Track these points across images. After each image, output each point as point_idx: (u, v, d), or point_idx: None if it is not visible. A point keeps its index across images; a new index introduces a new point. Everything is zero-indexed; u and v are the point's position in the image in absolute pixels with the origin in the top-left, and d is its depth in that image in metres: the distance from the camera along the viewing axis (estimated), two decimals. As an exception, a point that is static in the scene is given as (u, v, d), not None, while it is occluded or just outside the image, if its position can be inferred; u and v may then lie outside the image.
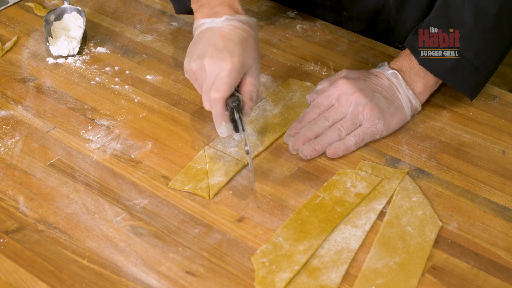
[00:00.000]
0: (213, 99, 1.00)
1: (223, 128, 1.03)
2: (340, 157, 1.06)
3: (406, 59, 1.14)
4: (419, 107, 1.13)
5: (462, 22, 1.09)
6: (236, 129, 1.03)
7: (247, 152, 1.01)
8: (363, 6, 1.30)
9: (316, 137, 1.07)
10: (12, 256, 0.92)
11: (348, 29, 1.34)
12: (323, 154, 1.07)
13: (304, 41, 1.31)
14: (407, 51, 1.14)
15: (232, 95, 1.01)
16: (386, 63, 1.16)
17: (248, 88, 1.03)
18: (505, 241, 0.94)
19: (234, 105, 1.01)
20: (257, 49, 1.07)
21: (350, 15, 1.33)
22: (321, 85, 1.16)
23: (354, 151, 1.08)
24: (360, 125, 1.08)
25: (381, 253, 0.92)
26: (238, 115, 1.01)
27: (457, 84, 1.12)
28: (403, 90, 1.11)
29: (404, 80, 1.12)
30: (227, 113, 1.01)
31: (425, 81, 1.12)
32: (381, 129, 1.08)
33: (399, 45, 1.31)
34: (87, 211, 0.98)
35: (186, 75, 1.07)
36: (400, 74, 1.12)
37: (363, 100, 1.08)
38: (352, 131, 1.08)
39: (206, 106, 1.03)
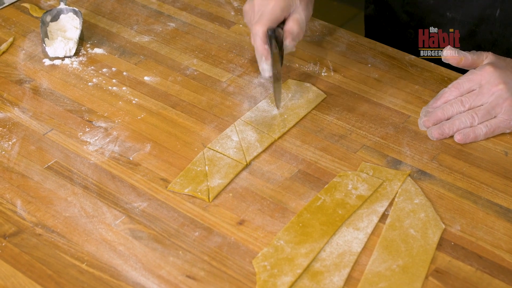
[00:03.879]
0: (254, 32, 1.08)
1: (263, 65, 1.09)
2: (343, 165, 1.06)
3: None
4: None
5: None
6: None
7: (273, 77, 1.09)
8: (468, 9, 1.26)
9: (447, 119, 1.09)
10: (10, 260, 0.91)
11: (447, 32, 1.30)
12: (325, 155, 1.06)
13: (303, 41, 1.30)
14: None
15: (274, 31, 1.08)
16: None
17: (290, 23, 1.10)
18: (509, 244, 0.93)
19: (269, 33, 1.07)
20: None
21: (453, 17, 1.28)
22: (465, 56, 1.11)
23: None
24: (494, 116, 1.08)
25: (383, 256, 0.91)
26: (271, 42, 1.07)
27: None
28: None
29: None
30: (266, 46, 1.07)
31: None
32: None
33: None
34: (86, 215, 0.97)
35: (245, 20, 1.16)
36: None
37: (505, 93, 1.07)
38: (485, 121, 1.08)
39: (252, 41, 1.10)
